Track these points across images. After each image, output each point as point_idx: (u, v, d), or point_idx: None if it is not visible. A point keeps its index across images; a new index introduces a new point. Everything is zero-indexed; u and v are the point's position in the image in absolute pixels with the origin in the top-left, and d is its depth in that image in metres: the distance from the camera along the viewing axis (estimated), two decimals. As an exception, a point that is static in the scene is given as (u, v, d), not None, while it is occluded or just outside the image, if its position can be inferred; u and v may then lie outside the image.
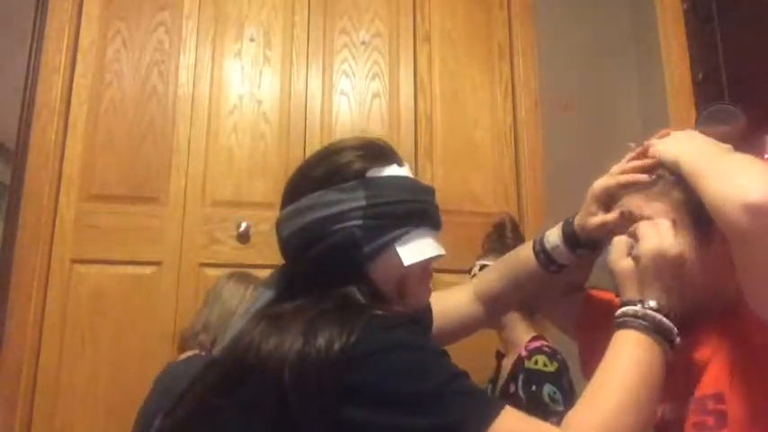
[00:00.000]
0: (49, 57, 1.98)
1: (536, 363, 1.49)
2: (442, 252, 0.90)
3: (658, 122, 2.09)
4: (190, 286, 1.92)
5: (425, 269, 0.90)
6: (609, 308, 1.01)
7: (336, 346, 0.71)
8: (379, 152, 0.90)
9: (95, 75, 2.02)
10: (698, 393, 0.80)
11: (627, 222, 0.86)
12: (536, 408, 1.43)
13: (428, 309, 1.05)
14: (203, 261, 1.95)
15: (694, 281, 0.81)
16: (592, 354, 0.95)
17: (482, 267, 1.62)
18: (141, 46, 2.06)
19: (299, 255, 0.86)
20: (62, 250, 1.89)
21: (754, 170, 0.71)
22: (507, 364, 1.64)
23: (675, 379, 0.83)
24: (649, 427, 0.77)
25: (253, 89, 2.10)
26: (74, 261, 1.89)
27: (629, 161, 0.91)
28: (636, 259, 0.80)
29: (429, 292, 0.94)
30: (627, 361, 0.76)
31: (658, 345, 0.77)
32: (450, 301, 1.12)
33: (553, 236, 1.00)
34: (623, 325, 0.79)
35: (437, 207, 0.93)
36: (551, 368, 1.47)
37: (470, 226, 1.94)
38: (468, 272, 1.69)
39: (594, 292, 1.09)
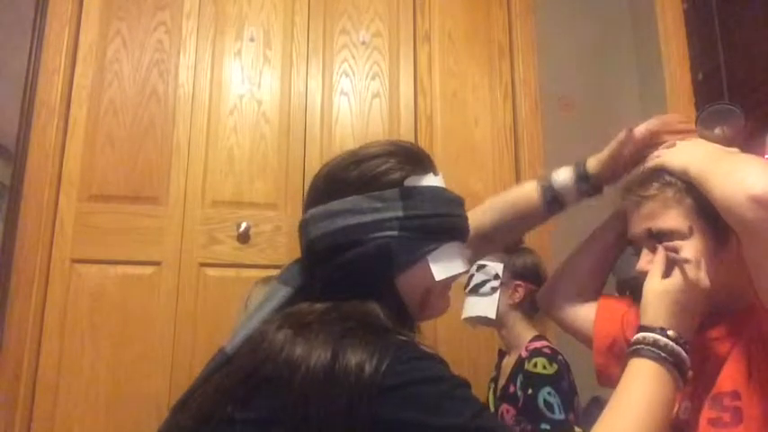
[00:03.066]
0: (49, 57, 1.98)
1: (535, 366, 1.48)
2: (468, 268, 0.91)
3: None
4: (190, 286, 1.92)
5: (448, 283, 0.90)
6: (624, 312, 1.02)
7: (367, 371, 0.70)
8: (416, 160, 0.89)
9: (95, 75, 2.02)
10: (715, 390, 0.81)
11: (649, 241, 0.88)
12: (529, 412, 1.43)
13: None
14: (203, 261, 1.95)
15: (713, 283, 0.82)
16: (608, 362, 0.95)
17: (480, 267, 1.62)
18: (141, 46, 2.06)
19: (328, 258, 0.84)
20: (62, 250, 1.89)
21: (757, 167, 0.73)
22: (509, 363, 1.64)
23: (692, 378, 0.84)
24: None
25: (253, 89, 2.10)
26: (74, 261, 1.89)
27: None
28: (670, 286, 0.81)
29: (448, 304, 0.93)
30: (643, 394, 0.75)
31: (673, 378, 0.77)
32: None
33: (563, 175, 1.05)
34: (641, 353, 0.78)
35: (467, 219, 0.92)
36: (550, 371, 1.47)
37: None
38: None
39: (610, 299, 1.10)
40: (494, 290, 1.62)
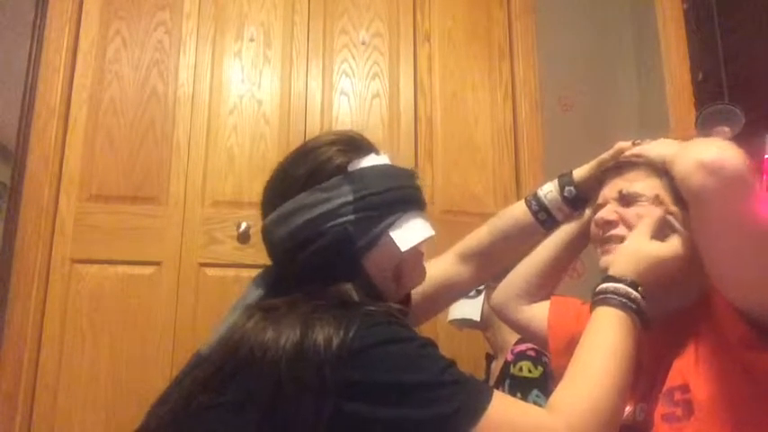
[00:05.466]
0: (49, 57, 1.98)
1: (520, 370, 1.49)
2: (433, 232, 0.91)
3: (658, 122, 2.09)
4: (190, 286, 1.92)
5: (419, 251, 0.91)
6: (579, 310, 1.02)
7: (335, 342, 0.71)
8: (355, 144, 0.90)
9: (95, 75, 2.02)
10: (666, 386, 0.82)
11: (618, 201, 0.91)
12: None
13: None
14: (203, 261, 1.95)
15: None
16: (567, 354, 0.96)
17: None
18: (141, 46, 2.06)
19: (292, 258, 0.85)
20: (62, 250, 1.89)
21: (716, 142, 0.75)
22: (497, 367, 1.64)
23: (644, 379, 0.86)
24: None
25: (253, 89, 2.10)
26: (74, 261, 1.89)
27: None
28: (655, 250, 0.83)
29: (424, 272, 0.95)
30: (610, 341, 0.76)
31: (636, 325, 0.79)
32: (435, 274, 1.11)
33: (547, 187, 1.06)
34: (606, 301, 0.80)
35: (420, 189, 0.94)
36: (536, 374, 1.47)
37: (470, 226, 1.92)
38: None
39: (560, 297, 1.11)
40: (479, 292, 1.62)
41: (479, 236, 1.12)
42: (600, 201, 0.95)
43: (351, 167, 0.87)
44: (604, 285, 0.82)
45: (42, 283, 1.85)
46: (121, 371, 1.83)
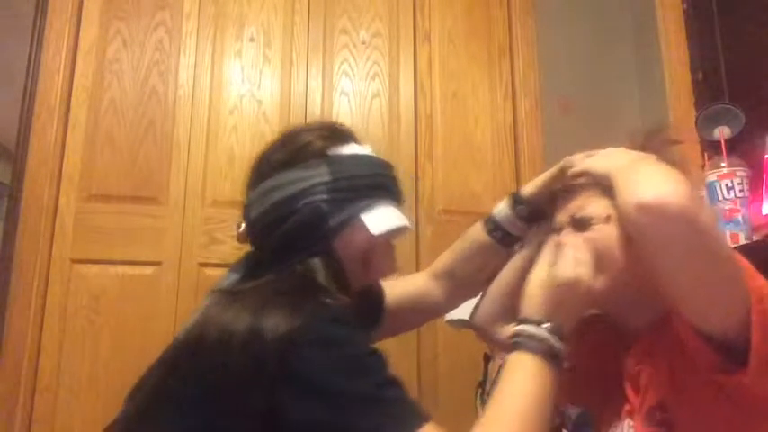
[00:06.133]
0: (49, 57, 1.97)
1: None
2: (407, 223, 0.92)
3: (658, 122, 2.09)
4: (190, 286, 1.92)
5: (389, 242, 0.93)
6: None
7: (282, 328, 0.72)
8: (337, 132, 0.92)
9: (95, 75, 2.02)
10: (646, 405, 0.82)
11: (572, 226, 0.89)
12: None
13: (380, 297, 1.07)
14: (203, 261, 1.95)
15: (619, 269, 0.84)
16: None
17: None
18: (141, 46, 2.06)
19: (267, 234, 0.87)
20: (62, 250, 1.89)
21: (656, 176, 0.74)
22: (494, 367, 1.63)
23: (630, 396, 0.85)
24: None
25: (253, 89, 2.10)
26: (74, 261, 1.89)
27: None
28: (553, 278, 0.82)
29: (394, 265, 0.96)
30: (524, 388, 0.76)
31: (551, 371, 0.77)
32: (407, 289, 1.14)
33: (500, 205, 1.06)
34: (517, 346, 0.79)
35: (398, 181, 0.94)
36: None
37: (470, 226, 1.94)
38: None
39: None
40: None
41: (445, 257, 1.13)
42: (556, 225, 0.94)
43: (331, 152, 0.89)
44: (516, 328, 0.81)
45: (42, 283, 1.85)
46: (121, 371, 1.83)
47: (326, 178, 0.86)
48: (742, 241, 1.59)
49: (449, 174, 2.16)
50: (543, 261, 0.85)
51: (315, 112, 2.11)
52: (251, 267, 0.90)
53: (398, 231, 0.91)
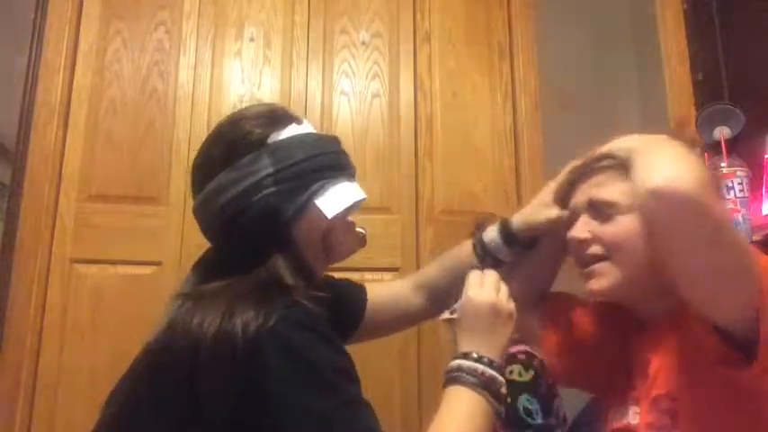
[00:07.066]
0: (49, 57, 1.98)
1: (511, 373, 1.48)
2: (363, 195, 0.90)
3: (658, 122, 2.09)
4: (190, 286, 1.91)
5: (348, 219, 0.91)
6: (574, 306, 1.02)
7: (252, 329, 0.71)
8: (274, 116, 0.89)
9: (95, 75, 2.02)
10: (653, 393, 0.81)
11: (589, 211, 0.89)
12: (514, 421, 1.42)
13: (360, 298, 1.07)
14: (203, 261, 1.95)
15: (640, 262, 0.84)
16: (559, 354, 0.96)
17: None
18: (141, 46, 2.06)
19: (223, 236, 0.86)
20: (62, 250, 1.89)
21: (670, 160, 0.73)
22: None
23: (638, 382, 0.85)
24: None
25: (253, 89, 2.10)
26: (74, 261, 1.89)
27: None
28: (477, 307, 0.85)
29: (358, 238, 0.94)
30: (458, 419, 0.78)
31: (484, 399, 0.80)
32: (387, 291, 1.13)
33: (490, 234, 1.04)
34: (452, 380, 0.82)
35: (347, 155, 0.92)
36: (527, 377, 1.47)
37: (470, 226, 1.93)
38: None
39: (555, 295, 1.10)
40: None
41: (429, 270, 1.13)
42: (570, 208, 0.93)
43: (270, 140, 0.86)
44: (453, 363, 0.84)
45: (42, 283, 1.85)
46: (121, 371, 1.82)
47: (270, 170, 0.83)
48: (742, 241, 1.58)
49: (449, 174, 2.16)
50: (472, 284, 0.87)
51: (315, 113, 2.11)
52: (211, 268, 0.88)
53: (354, 207, 0.90)
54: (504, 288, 0.88)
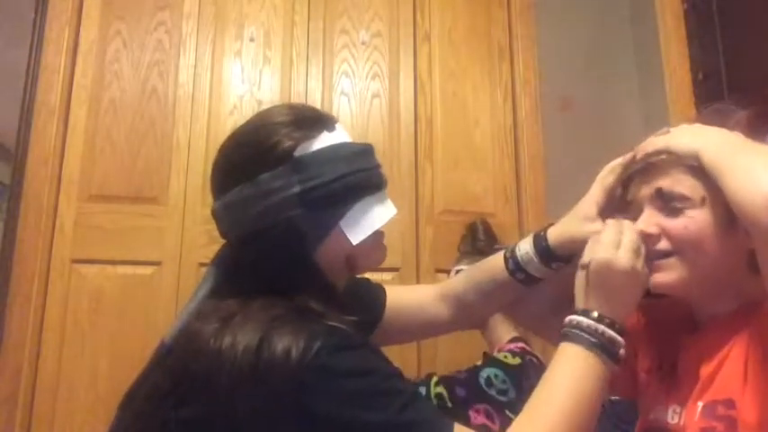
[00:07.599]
0: (49, 57, 1.97)
1: (502, 356, 1.48)
2: (392, 213, 0.86)
3: (659, 122, 2.08)
4: (190, 286, 1.91)
5: (376, 234, 0.86)
6: None
7: (294, 356, 0.69)
8: (305, 122, 0.84)
9: (95, 75, 2.02)
10: (708, 398, 0.78)
11: (656, 203, 0.82)
12: (473, 388, 1.39)
13: (378, 298, 1.03)
14: (203, 261, 1.94)
15: (710, 261, 0.79)
16: None
17: (458, 273, 1.60)
18: (141, 46, 2.06)
19: (243, 245, 0.84)
20: (62, 250, 1.89)
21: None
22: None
23: (684, 382, 0.82)
24: None
25: (253, 89, 2.10)
26: (74, 261, 1.89)
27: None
28: (584, 267, 0.80)
29: (384, 251, 0.91)
30: (569, 380, 0.74)
31: (600, 360, 0.76)
32: (413, 297, 1.08)
33: (524, 247, 0.95)
34: (569, 338, 0.78)
35: (379, 167, 0.87)
36: (512, 362, 1.45)
37: (468, 227, 1.94)
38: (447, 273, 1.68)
39: None
40: None
41: (456, 281, 1.07)
42: (630, 198, 0.87)
43: (298, 152, 0.81)
44: (569, 318, 0.79)
45: (42, 283, 1.85)
46: (121, 371, 1.82)
47: (297, 189, 0.79)
48: (742, 241, 1.58)
49: (449, 174, 2.16)
50: (607, 242, 0.79)
51: (315, 112, 2.11)
52: (231, 270, 0.86)
53: (385, 224, 0.86)
54: (642, 250, 0.80)
